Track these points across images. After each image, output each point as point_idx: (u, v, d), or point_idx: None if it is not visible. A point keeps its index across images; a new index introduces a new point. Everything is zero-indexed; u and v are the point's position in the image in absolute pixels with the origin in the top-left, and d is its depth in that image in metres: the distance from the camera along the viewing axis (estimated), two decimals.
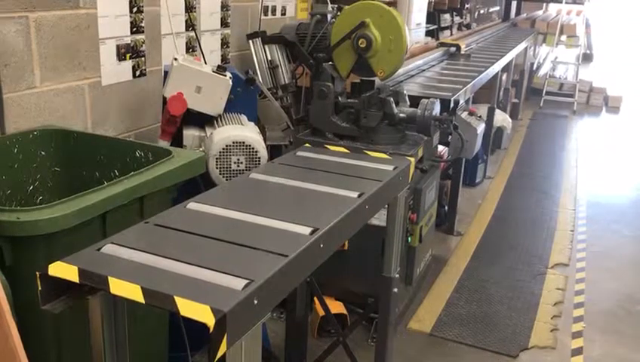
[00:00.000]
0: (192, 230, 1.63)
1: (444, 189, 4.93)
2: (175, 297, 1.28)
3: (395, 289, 2.53)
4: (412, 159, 2.43)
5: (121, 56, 2.89)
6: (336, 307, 3.37)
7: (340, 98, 3.26)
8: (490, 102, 6.19)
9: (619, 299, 4.08)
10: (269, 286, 1.40)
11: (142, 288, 1.31)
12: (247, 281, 1.36)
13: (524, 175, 6.55)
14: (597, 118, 9.94)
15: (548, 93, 10.24)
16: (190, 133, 2.70)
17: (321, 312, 3.29)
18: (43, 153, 2.38)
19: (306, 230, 1.68)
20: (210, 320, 1.21)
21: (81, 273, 1.37)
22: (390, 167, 2.30)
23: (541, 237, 4.96)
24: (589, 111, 10.24)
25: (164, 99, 2.65)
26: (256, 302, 1.35)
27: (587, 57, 13.56)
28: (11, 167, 2.27)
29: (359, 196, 1.97)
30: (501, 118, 6.72)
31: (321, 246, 1.69)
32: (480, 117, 4.37)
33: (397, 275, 2.52)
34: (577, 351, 3.45)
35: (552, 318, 3.75)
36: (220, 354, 1.26)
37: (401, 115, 3.18)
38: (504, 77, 7.32)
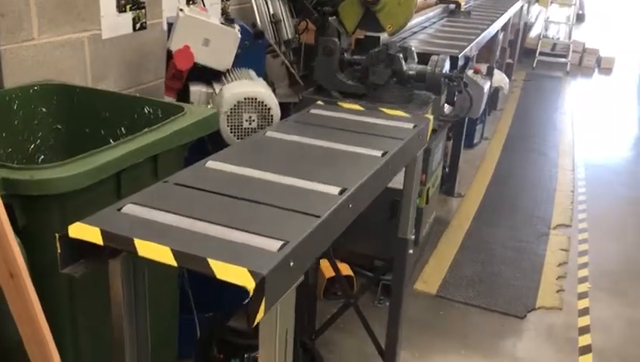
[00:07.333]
0: (216, 189, 1.54)
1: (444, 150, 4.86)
2: (209, 259, 1.20)
3: (411, 251, 2.47)
4: (431, 117, 2.34)
5: (121, 8, 2.74)
6: (343, 269, 3.32)
7: (345, 55, 3.15)
8: (488, 61, 6.07)
9: (622, 260, 4.08)
10: (303, 247, 1.33)
11: (172, 250, 1.23)
12: (283, 242, 1.28)
13: (521, 136, 6.50)
14: (590, 79, 9.88)
15: (541, 53, 10.13)
16: (197, 89, 2.57)
17: (328, 274, 3.24)
18: (44, 110, 2.26)
19: (335, 190, 1.60)
20: (249, 284, 1.14)
21: (105, 234, 1.28)
22: (410, 125, 2.21)
23: (542, 198, 4.93)
24: (581, 72, 10.16)
25: (169, 53, 2.51)
26: (292, 264, 1.28)
27: (579, 17, 13.40)
28: (11, 124, 2.15)
29: (383, 155, 1.89)
30: (499, 78, 6.58)
31: (350, 206, 1.62)
32: (486, 75, 4.27)
33: (412, 237, 2.46)
34: (584, 312, 3.44)
35: (557, 279, 3.74)
36: (258, 319, 1.19)
37: (411, 72, 3.08)
38: (501, 36, 7.19)
